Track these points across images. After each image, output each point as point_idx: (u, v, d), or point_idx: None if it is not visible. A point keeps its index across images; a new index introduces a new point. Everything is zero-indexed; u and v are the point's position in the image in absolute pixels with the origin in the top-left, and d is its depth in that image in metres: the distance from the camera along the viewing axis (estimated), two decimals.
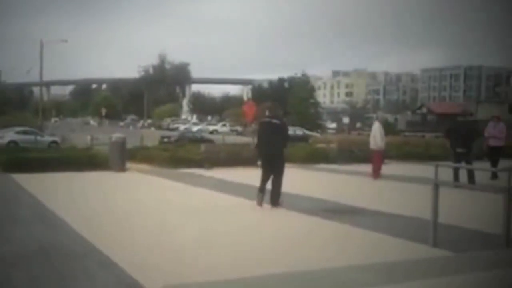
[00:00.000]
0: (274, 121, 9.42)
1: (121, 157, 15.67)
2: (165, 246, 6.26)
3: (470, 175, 11.85)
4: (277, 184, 9.28)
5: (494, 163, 13.51)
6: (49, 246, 6.20)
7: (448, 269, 4.93)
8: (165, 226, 7.56)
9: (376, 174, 14.13)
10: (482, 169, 12.16)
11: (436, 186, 6.27)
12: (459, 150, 12.24)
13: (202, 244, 6.41)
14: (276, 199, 9.22)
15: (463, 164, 11.97)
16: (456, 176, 11.79)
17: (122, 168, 15.34)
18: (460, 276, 4.58)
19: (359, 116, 75.33)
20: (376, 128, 14.40)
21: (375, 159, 14.32)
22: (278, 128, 9.32)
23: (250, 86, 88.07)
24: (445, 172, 10.95)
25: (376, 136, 14.24)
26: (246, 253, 6.01)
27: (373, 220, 8.06)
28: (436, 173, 6.32)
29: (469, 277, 4.54)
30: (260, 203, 9.14)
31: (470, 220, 7.87)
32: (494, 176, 12.24)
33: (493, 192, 7.20)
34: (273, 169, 9.33)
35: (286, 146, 9.53)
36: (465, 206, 9.31)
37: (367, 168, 14.86)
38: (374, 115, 16.58)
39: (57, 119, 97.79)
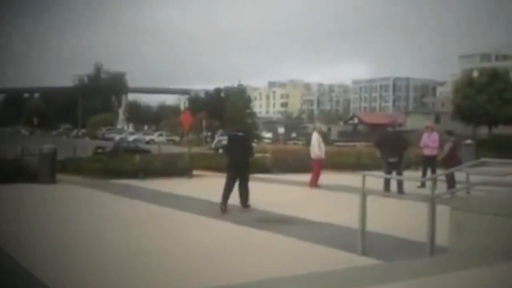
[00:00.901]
0: (240, 133, 10.68)
1: (51, 169, 15.06)
2: (81, 261, 5.98)
3: (399, 184, 12.20)
4: (244, 188, 10.23)
5: (426, 172, 13.92)
6: None
7: (375, 278, 4.98)
8: (87, 238, 7.27)
9: (313, 183, 14.29)
10: (409, 179, 12.57)
11: (364, 196, 6.38)
12: (391, 160, 12.58)
13: (120, 255, 6.17)
14: (246, 201, 10.16)
15: (393, 174, 12.31)
16: (387, 185, 12.11)
17: (52, 180, 14.74)
18: (387, 285, 4.64)
19: (294, 126, 76.53)
20: (315, 138, 14.62)
21: (315, 168, 14.48)
22: (243, 140, 10.56)
23: (187, 96, 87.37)
24: (379, 181, 11.24)
25: (315, 145, 14.45)
26: (176, 267, 5.85)
27: (305, 230, 8.10)
28: (363, 183, 6.42)
29: (395, 286, 4.60)
30: (225, 208, 9.82)
31: (400, 228, 8.01)
32: (423, 184, 12.57)
33: (419, 200, 7.41)
34: (240, 176, 10.26)
35: (252, 154, 10.96)
36: (395, 215, 9.52)
37: (302, 177, 15.02)
38: (312, 126, 16.98)
39: None
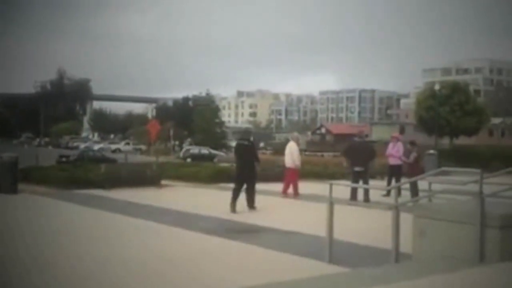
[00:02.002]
0: (246, 142, 11.77)
1: (13, 178, 14.66)
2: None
3: (365, 193, 12.42)
4: (251, 192, 11.36)
5: (392, 181, 14.18)
6: None
7: (342, 285, 5.09)
8: (47, 251, 7.17)
9: (285, 191, 14.30)
10: (373, 187, 12.81)
11: (331, 204, 6.49)
12: (357, 169, 12.82)
13: (83, 268, 6.10)
14: (252, 203, 11.28)
15: (360, 182, 12.52)
16: (353, 194, 12.30)
17: (14, 190, 14.36)
18: None
19: (262, 135, 76.85)
20: (294, 148, 14.64)
21: (288, 177, 14.49)
22: (249, 148, 11.70)
23: (154, 105, 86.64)
24: (345, 189, 11.40)
25: (294, 154, 14.45)
26: (144, 278, 5.82)
27: (274, 239, 8.16)
28: (330, 192, 6.54)
29: None
30: (234, 210, 10.88)
31: (366, 236, 8.10)
32: (388, 193, 12.78)
33: (384, 209, 7.57)
34: (247, 180, 11.33)
35: (257, 160, 11.86)
36: (361, 223, 9.65)
37: (270, 186, 15.09)
38: (290, 135, 17.07)
39: None
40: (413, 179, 10.20)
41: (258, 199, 14.09)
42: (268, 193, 14.83)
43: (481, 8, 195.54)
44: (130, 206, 12.21)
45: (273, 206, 12.79)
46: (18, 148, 54.55)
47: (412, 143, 14.45)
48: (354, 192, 12.35)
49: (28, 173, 17.60)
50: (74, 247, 7.48)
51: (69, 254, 7.03)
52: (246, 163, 11.45)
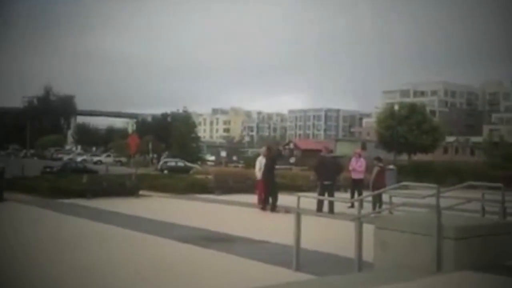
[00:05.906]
0: (270, 159, 13.72)
1: None
2: None
3: (330, 204, 12.37)
4: (274, 198, 13.18)
5: (354, 194, 14.18)
6: None
7: None
8: (30, 256, 6.85)
9: (260, 201, 14.05)
10: (339, 200, 12.79)
11: (298, 215, 6.41)
12: (326, 182, 12.79)
13: (62, 272, 5.86)
14: (274, 207, 13.00)
15: (325, 195, 12.49)
16: (320, 206, 12.22)
17: None
18: None
19: (235, 150, 76.72)
20: (262, 161, 14.32)
21: (260, 189, 14.21)
22: (272, 161, 13.75)
23: (134, 120, 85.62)
24: (311, 201, 11.29)
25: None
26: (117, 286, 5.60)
27: (243, 247, 8.01)
28: (298, 203, 6.46)
29: None
30: (265, 209, 13.11)
31: (334, 246, 7.84)
32: (352, 205, 12.73)
33: (347, 220, 7.50)
34: (271, 188, 13.27)
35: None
36: (327, 233, 9.54)
37: (242, 198, 14.95)
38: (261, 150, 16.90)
39: None
40: (376, 192, 10.20)
41: (230, 210, 14.01)
42: (240, 204, 14.68)
43: (438, 33, 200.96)
44: (108, 214, 11.93)
45: (244, 216, 12.65)
46: (5, 159, 53.04)
47: (378, 159, 14.51)
48: (320, 204, 12.28)
49: (14, 182, 17.18)
50: (52, 251, 7.20)
51: (45, 258, 6.76)
52: (270, 175, 13.33)
